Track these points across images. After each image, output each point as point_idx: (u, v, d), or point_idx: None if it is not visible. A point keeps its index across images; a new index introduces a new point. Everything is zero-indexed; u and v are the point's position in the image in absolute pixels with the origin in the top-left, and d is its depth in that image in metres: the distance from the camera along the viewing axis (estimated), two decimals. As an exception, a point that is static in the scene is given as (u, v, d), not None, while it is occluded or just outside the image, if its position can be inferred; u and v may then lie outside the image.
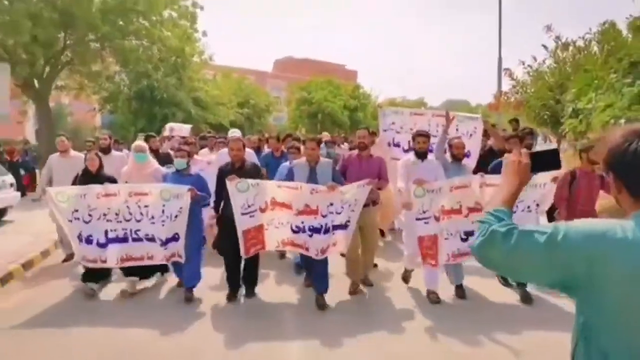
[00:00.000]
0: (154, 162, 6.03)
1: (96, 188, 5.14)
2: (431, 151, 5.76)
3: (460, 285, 5.34)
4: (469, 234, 4.96)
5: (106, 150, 7.04)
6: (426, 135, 5.37)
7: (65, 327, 4.44)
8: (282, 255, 6.70)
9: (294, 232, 5.00)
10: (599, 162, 4.70)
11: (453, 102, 43.80)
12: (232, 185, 4.88)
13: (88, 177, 5.41)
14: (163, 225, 5.13)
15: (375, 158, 5.62)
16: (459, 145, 5.45)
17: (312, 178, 5.09)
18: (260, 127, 25.02)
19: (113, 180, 5.50)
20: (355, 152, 5.71)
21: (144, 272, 5.47)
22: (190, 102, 19.49)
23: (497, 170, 5.28)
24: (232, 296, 5.21)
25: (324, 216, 4.97)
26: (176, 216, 5.11)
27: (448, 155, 5.54)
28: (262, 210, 4.99)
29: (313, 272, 5.25)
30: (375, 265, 6.24)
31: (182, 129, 11.51)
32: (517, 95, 11.45)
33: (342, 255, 5.64)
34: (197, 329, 4.51)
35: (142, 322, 4.56)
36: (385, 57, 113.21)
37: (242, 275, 5.35)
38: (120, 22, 17.70)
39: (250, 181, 4.94)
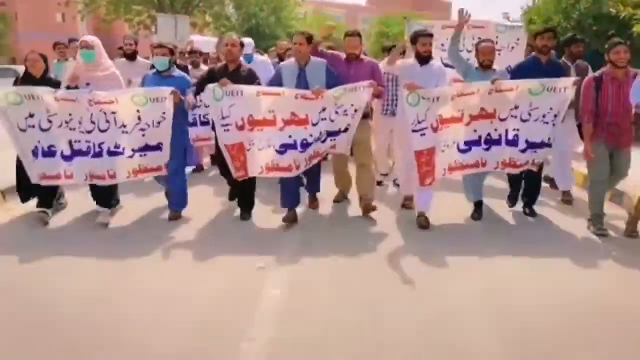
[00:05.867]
0: (109, 65, 4.76)
1: (52, 91, 4.26)
2: (447, 65, 5.24)
3: (479, 202, 4.78)
4: (470, 143, 4.44)
5: (132, 57, 6.16)
6: (429, 35, 4.71)
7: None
8: None
9: (280, 153, 4.40)
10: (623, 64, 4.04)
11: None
12: (209, 90, 4.27)
13: (30, 82, 4.40)
14: (143, 134, 4.43)
15: (366, 62, 4.79)
16: (485, 50, 4.58)
17: (302, 81, 4.44)
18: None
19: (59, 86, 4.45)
20: (344, 55, 4.82)
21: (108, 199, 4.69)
22: (285, 36, 25.11)
23: (518, 75, 4.57)
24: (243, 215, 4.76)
25: (314, 124, 4.37)
26: (159, 122, 4.40)
27: (475, 63, 4.73)
28: (239, 128, 4.32)
29: (306, 176, 5.00)
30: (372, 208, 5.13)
31: (205, 43, 9.61)
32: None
33: (379, 183, 5.62)
34: (187, 251, 3.96)
35: (130, 250, 3.93)
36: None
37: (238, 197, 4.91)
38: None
39: (225, 88, 4.23)
